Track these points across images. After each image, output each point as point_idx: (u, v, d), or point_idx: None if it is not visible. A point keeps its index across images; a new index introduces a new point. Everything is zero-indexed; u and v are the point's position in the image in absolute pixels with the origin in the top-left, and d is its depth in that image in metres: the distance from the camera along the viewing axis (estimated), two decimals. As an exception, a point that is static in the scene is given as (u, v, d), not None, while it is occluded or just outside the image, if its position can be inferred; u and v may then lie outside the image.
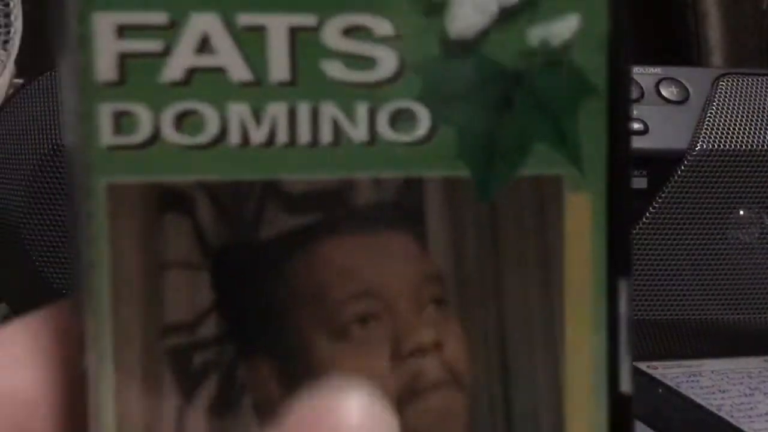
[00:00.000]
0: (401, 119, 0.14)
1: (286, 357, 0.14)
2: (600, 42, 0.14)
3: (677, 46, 0.99)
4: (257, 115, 0.13)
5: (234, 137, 0.13)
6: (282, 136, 0.14)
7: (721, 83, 0.51)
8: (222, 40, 0.13)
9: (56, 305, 0.15)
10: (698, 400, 0.43)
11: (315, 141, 0.14)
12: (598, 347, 0.14)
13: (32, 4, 0.70)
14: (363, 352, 0.14)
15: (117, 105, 0.13)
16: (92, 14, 0.13)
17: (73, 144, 0.13)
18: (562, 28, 0.14)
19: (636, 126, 0.49)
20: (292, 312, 0.14)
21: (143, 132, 0.13)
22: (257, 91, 0.13)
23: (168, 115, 0.13)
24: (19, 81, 0.57)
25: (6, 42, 0.69)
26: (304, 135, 0.14)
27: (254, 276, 0.14)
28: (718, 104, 0.51)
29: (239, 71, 0.13)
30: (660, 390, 0.45)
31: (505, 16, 0.14)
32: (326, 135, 0.14)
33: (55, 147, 0.48)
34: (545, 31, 0.14)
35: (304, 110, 0.14)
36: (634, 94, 0.50)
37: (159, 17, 0.13)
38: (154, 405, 0.13)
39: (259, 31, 0.13)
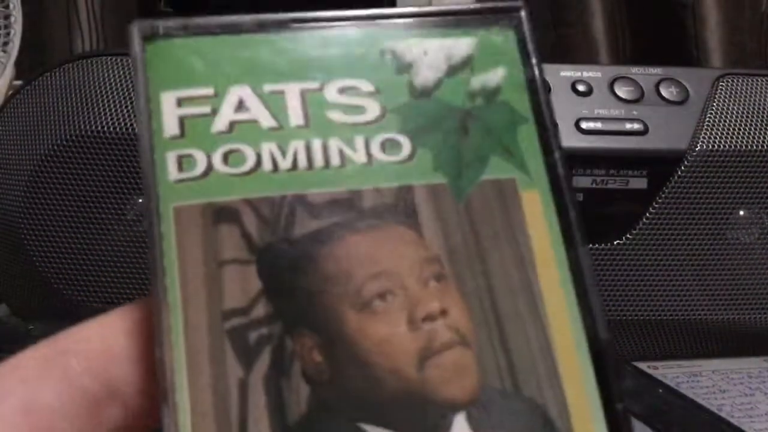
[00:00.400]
0: (389, 146, 0.19)
1: (324, 329, 0.17)
2: (520, 85, 0.19)
3: (677, 49, 0.99)
4: (282, 150, 0.18)
5: (266, 166, 0.18)
6: (302, 163, 0.18)
7: (721, 84, 0.52)
8: (253, 102, 0.19)
9: (131, 304, 0.18)
10: (699, 401, 0.43)
11: (327, 165, 0.18)
12: (570, 301, 0.18)
13: (32, 6, 0.70)
14: (385, 321, 0.18)
15: (179, 151, 0.18)
16: (160, 93, 0.18)
17: (148, 180, 0.18)
18: (493, 77, 0.19)
19: (636, 126, 0.50)
20: (324, 293, 0.18)
21: (199, 168, 0.18)
22: (281, 133, 0.18)
23: (217, 155, 0.18)
24: (19, 82, 0.57)
25: (5, 44, 0.69)
26: (318, 161, 0.18)
27: (291, 266, 0.18)
28: (718, 105, 0.51)
29: (267, 121, 0.19)
30: (660, 390, 0.45)
31: (453, 71, 0.19)
32: (335, 160, 0.18)
33: (54, 148, 0.48)
34: (481, 80, 0.19)
35: (317, 144, 0.18)
36: (635, 95, 0.51)
37: (207, 90, 0.19)
38: (220, 378, 0.17)
39: (279, 93, 0.19)
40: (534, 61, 0.20)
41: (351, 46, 0.19)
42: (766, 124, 0.51)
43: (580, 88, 0.50)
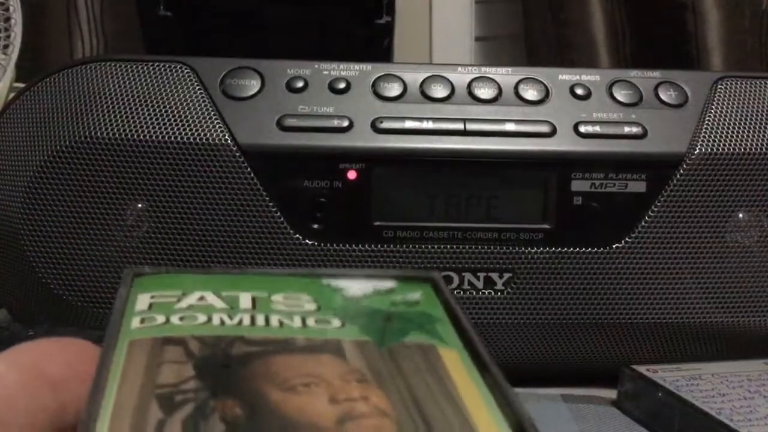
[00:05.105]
0: (322, 322, 0.23)
1: (247, 397, 0.19)
2: (436, 303, 0.24)
3: (677, 48, 0.99)
4: (230, 315, 0.23)
5: (215, 322, 0.22)
6: (246, 323, 0.22)
7: (719, 86, 0.52)
8: (211, 297, 0.23)
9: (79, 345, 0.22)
10: (698, 404, 0.43)
11: (268, 325, 0.22)
12: (488, 401, 0.20)
13: (32, 10, 0.70)
14: (306, 398, 0.20)
15: (144, 316, 0.22)
16: (138, 294, 0.23)
17: (112, 334, 0.21)
18: (413, 296, 0.24)
19: (635, 130, 0.50)
20: (251, 380, 0.20)
21: (158, 322, 0.22)
22: (231, 310, 0.23)
23: (175, 316, 0.22)
24: (20, 85, 0.57)
25: (6, 47, 0.69)
26: (260, 323, 0.22)
27: (224, 364, 0.21)
28: (716, 107, 0.51)
29: (220, 305, 0.23)
30: (660, 393, 0.45)
31: (378, 293, 0.24)
32: (275, 324, 0.22)
33: (54, 153, 0.48)
34: (402, 296, 0.24)
35: (260, 317, 0.23)
36: (634, 98, 0.51)
37: (176, 292, 0.24)
38: (140, 419, 0.18)
39: (234, 296, 0.24)
40: (450, 300, 0.24)
41: (297, 281, 0.25)
42: (764, 127, 0.51)
43: (579, 91, 0.51)
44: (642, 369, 0.48)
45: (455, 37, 1.18)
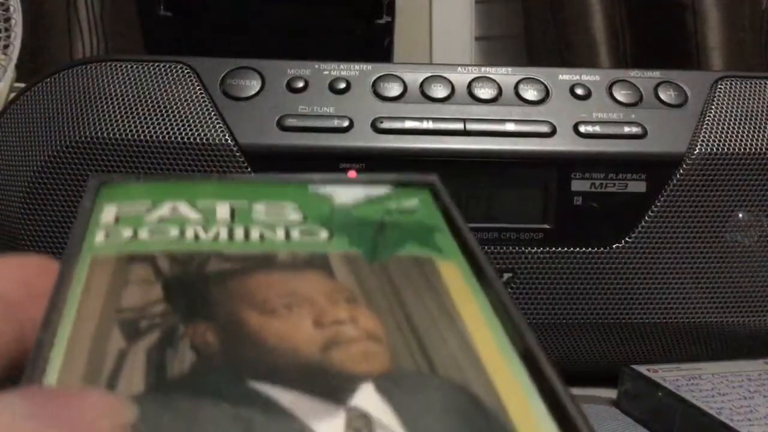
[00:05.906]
0: (308, 232, 0.21)
1: (222, 321, 0.17)
2: (434, 209, 0.22)
3: (677, 47, 0.99)
4: (205, 229, 0.20)
5: (189, 237, 0.20)
6: (223, 237, 0.20)
7: (719, 86, 0.52)
8: (185, 208, 0.21)
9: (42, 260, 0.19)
10: (698, 404, 0.43)
11: (247, 239, 0.20)
12: (488, 314, 0.18)
13: (32, 10, 0.70)
14: (288, 322, 0.18)
15: (109, 229, 0.20)
16: (104, 205, 0.21)
17: (72, 248, 0.19)
18: (409, 203, 0.22)
19: (635, 130, 0.50)
20: (227, 301, 0.18)
21: (124, 236, 0.20)
22: (206, 223, 0.20)
23: (144, 230, 0.20)
24: (20, 85, 0.57)
25: (6, 47, 0.69)
26: (239, 237, 0.20)
27: (197, 283, 0.18)
28: (716, 107, 0.51)
29: (195, 216, 0.21)
30: (660, 393, 0.45)
31: (370, 200, 0.22)
32: (255, 237, 0.20)
33: (56, 152, 0.48)
34: (397, 203, 0.22)
35: (239, 229, 0.20)
36: (634, 98, 0.51)
37: (145, 202, 0.21)
38: (100, 345, 0.16)
39: (211, 206, 0.21)
40: (450, 207, 0.22)
41: (281, 188, 0.22)
42: (764, 127, 0.51)
43: (579, 91, 0.51)
44: (642, 369, 0.48)
45: (455, 37, 1.18)
